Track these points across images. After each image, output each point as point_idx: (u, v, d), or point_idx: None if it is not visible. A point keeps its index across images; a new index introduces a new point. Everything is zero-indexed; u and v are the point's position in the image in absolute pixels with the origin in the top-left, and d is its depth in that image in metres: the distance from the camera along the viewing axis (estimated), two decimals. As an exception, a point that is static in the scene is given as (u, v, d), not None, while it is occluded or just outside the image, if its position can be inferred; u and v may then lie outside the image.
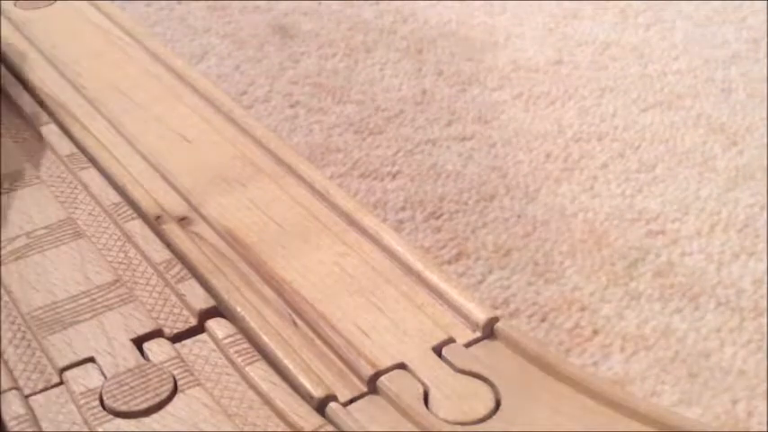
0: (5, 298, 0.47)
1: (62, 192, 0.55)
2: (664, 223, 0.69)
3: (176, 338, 0.45)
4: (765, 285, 0.63)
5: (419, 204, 0.71)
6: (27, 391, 0.42)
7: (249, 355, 0.43)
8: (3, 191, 0.55)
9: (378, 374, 0.42)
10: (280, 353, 0.43)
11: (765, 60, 0.90)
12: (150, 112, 0.62)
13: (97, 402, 0.41)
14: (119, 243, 0.51)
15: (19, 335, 0.45)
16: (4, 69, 0.67)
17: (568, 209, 0.70)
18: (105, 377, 0.42)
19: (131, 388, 0.41)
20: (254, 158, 0.58)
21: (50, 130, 0.60)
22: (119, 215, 0.52)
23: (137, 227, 0.51)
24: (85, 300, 0.47)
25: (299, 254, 0.50)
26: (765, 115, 0.82)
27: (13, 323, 0.46)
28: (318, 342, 0.45)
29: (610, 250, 0.66)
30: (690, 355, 0.58)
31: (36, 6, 0.76)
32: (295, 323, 0.46)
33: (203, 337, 0.45)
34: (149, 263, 0.49)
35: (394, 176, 0.74)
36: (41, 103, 0.63)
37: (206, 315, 0.46)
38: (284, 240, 0.51)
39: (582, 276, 0.64)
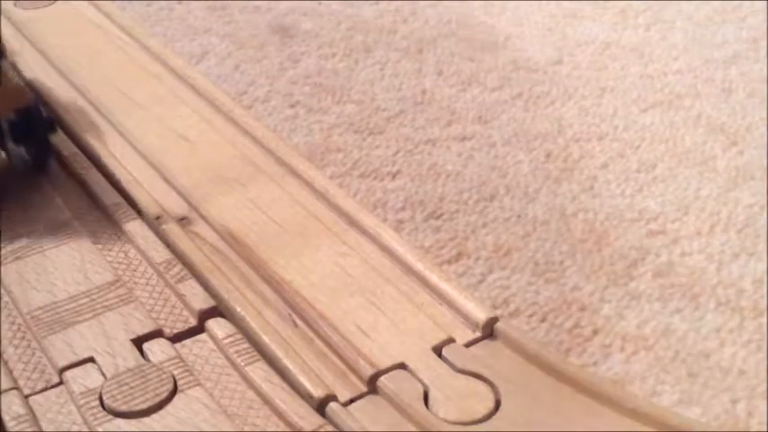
0: (5, 298, 0.47)
1: (62, 191, 0.55)
2: (664, 223, 0.69)
3: (176, 338, 0.45)
4: (765, 285, 0.63)
5: (419, 204, 0.71)
6: (27, 391, 0.42)
7: (249, 355, 0.43)
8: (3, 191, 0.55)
9: (378, 374, 0.42)
10: (280, 353, 0.43)
11: (765, 60, 0.90)
12: (150, 112, 0.62)
13: (97, 402, 0.41)
14: (119, 243, 0.51)
15: (19, 335, 0.45)
16: (4, 69, 0.67)
17: (568, 209, 0.70)
18: (105, 377, 0.42)
19: (131, 388, 0.41)
20: (254, 158, 0.58)
21: (50, 130, 0.60)
22: (119, 215, 0.52)
23: (137, 227, 0.51)
24: (85, 300, 0.47)
25: (299, 254, 0.50)
26: (765, 115, 0.82)
27: (13, 323, 0.46)
28: (318, 342, 0.45)
29: (610, 250, 0.66)
30: (690, 355, 0.58)
31: (36, 6, 0.76)
32: (295, 323, 0.46)
33: (203, 337, 0.45)
34: (149, 263, 0.49)
35: (394, 176, 0.74)
36: (41, 103, 0.63)
37: (206, 315, 0.46)
38: (284, 240, 0.51)
39: (582, 276, 0.64)
